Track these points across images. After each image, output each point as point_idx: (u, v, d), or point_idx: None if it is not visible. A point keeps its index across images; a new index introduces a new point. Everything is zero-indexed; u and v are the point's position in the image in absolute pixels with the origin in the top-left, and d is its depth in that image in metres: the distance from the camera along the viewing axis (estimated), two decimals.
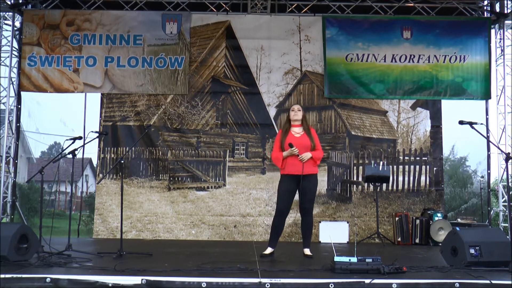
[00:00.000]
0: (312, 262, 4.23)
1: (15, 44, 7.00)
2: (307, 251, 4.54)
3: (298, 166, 4.38)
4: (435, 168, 6.98)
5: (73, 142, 4.68)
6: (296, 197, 4.57)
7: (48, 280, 3.32)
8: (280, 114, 7.00)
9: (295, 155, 4.39)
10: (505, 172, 5.71)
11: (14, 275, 3.36)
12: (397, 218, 6.41)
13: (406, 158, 6.99)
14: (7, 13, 7.00)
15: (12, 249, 3.92)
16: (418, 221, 6.35)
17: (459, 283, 3.32)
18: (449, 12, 7.13)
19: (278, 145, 4.54)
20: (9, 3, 6.92)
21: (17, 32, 7.02)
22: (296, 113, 4.55)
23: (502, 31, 7.02)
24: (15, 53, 6.99)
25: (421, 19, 7.05)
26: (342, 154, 6.99)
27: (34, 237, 4.21)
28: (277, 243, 4.62)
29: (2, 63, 6.92)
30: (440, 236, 6.03)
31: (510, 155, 4.12)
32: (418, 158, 6.99)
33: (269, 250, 4.54)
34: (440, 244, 4.61)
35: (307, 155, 4.41)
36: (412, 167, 6.96)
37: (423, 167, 6.96)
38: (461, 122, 4.39)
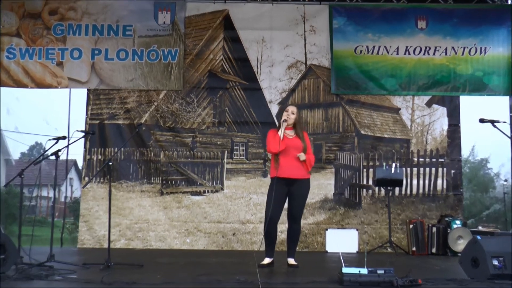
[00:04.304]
0: (318, 274, 4.23)
1: None
2: (291, 261, 4.62)
3: (291, 169, 4.49)
4: (453, 171, 6.95)
5: (56, 142, 4.66)
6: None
7: None
8: (282, 111, 6.96)
9: (288, 158, 4.50)
10: None
11: None
12: (411, 226, 6.39)
13: (421, 159, 6.96)
14: None
15: None
16: (434, 229, 6.33)
17: None
18: (468, 0, 7.10)
19: (272, 138, 4.60)
20: None
21: None
22: (289, 116, 4.62)
23: None
24: None
25: (437, 7, 7.04)
26: (351, 155, 6.97)
27: (12, 247, 4.16)
28: (278, 253, 4.62)
29: None
30: (459, 245, 6.02)
31: None
32: (434, 160, 6.97)
33: (267, 260, 4.58)
34: (459, 255, 4.61)
35: (302, 155, 4.53)
36: (427, 169, 6.94)
37: (440, 169, 6.94)
38: (481, 121, 4.38)
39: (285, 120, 4.59)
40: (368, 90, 7.03)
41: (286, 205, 4.69)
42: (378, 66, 6.99)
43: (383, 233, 6.66)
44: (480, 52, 6.96)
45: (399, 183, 6.62)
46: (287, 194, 4.58)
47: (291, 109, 4.68)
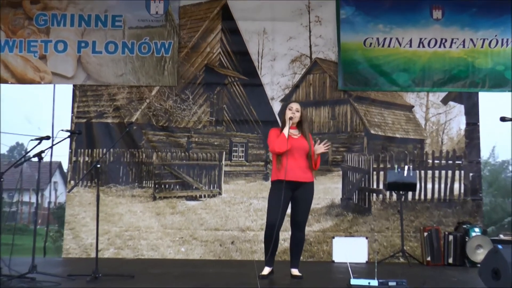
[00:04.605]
0: (324, 285, 4.21)
1: None
2: (295, 272, 4.61)
3: (297, 172, 4.50)
4: (471, 174, 6.94)
5: (39, 143, 4.66)
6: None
7: None
8: (285, 109, 6.96)
9: (294, 159, 4.53)
10: None
11: None
12: (425, 234, 6.38)
13: (436, 161, 6.95)
14: None
15: None
16: (451, 237, 6.31)
17: None
18: None
19: (275, 137, 4.61)
20: None
21: None
22: (294, 114, 4.65)
23: None
24: None
25: None
26: (360, 157, 6.96)
27: None
28: (281, 262, 4.61)
29: None
30: (479, 255, 6.01)
31: None
32: (450, 162, 6.95)
33: (267, 270, 4.55)
34: (479, 265, 4.60)
35: (321, 147, 4.57)
36: (443, 172, 6.92)
37: (457, 172, 6.92)
38: (502, 119, 4.38)
39: (291, 118, 4.59)
40: (378, 86, 7.02)
41: (288, 211, 4.68)
42: (389, 60, 6.98)
43: (395, 241, 6.64)
44: (502, 44, 6.95)
45: (412, 187, 6.59)
46: (290, 199, 4.58)
47: (295, 106, 4.71)
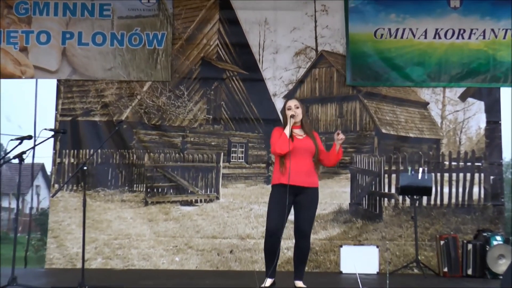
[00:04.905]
0: None
1: None
2: (299, 283, 4.59)
3: (300, 175, 4.49)
4: (492, 177, 6.93)
5: (20, 143, 4.66)
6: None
7: None
8: (285, 109, 6.96)
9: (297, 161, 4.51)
10: None
11: None
12: (442, 242, 6.37)
13: (454, 163, 6.96)
14: None
15: None
16: (470, 246, 6.29)
17: None
18: None
19: (278, 137, 4.59)
20: None
21: None
22: (295, 112, 4.63)
23: None
24: None
25: None
26: (370, 159, 6.97)
27: None
28: (284, 273, 4.59)
29: None
30: (501, 266, 5.99)
31: None
32: (469, 164, 6.95)
33: (269, 281, 4.53)
34: (501, 277, 4.56)
35: (341, 137, 4.58)
36: (461, 175, 6.92)
37: (476, 175, 6.92)
38: None
39: (293, 116, 4.57)
40: (390, 81, 7.03)
41: (292, 218, 4.65)
42: (402, 53, 6.99)
43: (409, 250, 6.64)
44: None
45: (427, 191, 6.59)
46: (293, 204, 4.55)
47: (294, 103, 4.69)
